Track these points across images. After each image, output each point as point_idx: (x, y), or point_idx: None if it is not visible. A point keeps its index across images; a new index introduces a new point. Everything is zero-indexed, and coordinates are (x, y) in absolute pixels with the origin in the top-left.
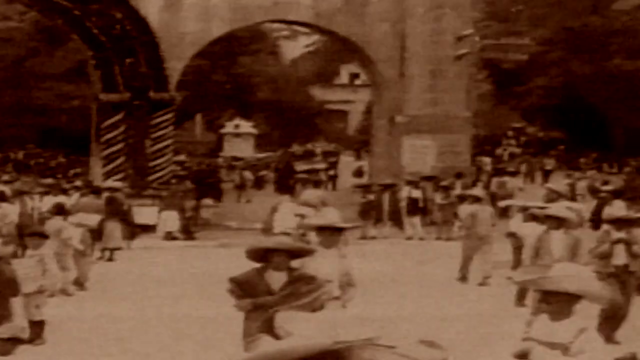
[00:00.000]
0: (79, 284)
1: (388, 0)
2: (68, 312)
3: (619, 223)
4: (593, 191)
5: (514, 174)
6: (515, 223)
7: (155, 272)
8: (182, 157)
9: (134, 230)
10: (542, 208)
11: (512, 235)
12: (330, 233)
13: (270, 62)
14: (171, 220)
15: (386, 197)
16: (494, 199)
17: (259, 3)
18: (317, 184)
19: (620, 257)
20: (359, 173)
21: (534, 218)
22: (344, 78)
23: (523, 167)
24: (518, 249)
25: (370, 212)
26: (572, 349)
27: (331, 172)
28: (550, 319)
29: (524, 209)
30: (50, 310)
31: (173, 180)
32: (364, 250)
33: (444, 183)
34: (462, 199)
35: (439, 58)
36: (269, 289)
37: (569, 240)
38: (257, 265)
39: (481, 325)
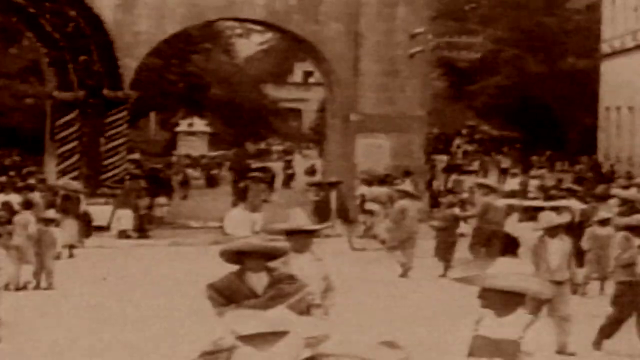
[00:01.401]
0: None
1: None
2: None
3: (638, 230)
4: (544, 190)
5: (470, 172)
6: (510, 224)
7: (112, 270)
8: (136, 156)
9: (88, 228)
10: (536, 208)
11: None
12: (302, 236)
13: (224, 60)
14: (125, 218)
15: (334, 195)
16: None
17: (212, 1)
18: (270, 184)
19: None
20: (311, 171)
21: (530, 218)
22: (297, 76)
23: (476, 165)
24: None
25: (322, 210)
26: (521, 344)
27: (289, 171)
28: (496, 315)
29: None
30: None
31: (127, 178)
32: (319, 249)
33: (397, 182)
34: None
35: (393, 56)
36: (252, 291)
37: (565, 247)
38: (233, 269)
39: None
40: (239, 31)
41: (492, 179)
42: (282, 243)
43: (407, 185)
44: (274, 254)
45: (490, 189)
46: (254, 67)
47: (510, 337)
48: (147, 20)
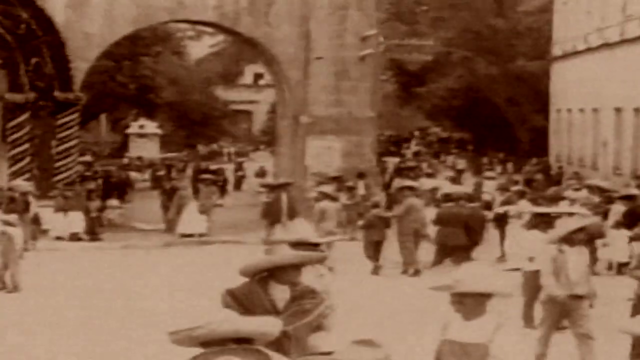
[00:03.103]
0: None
1: (292, 1)
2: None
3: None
4: (500, 190)
5: (420, 174)
6: (514, 231)
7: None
8: (87, 158)
9: (38, 231)
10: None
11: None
12: (305, 249)
13: (175, 62)
14: (76, 221)
15: (284, 197)
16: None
17: (163, 3)
18: (223, 187)
19: None
20: (262, 173)
21: (534, 226)
22: (248, 78)
23: (425, 167)
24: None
25: (272, 213)
26: (490, 347)
27: (240, 173)
28: (465, 318)
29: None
30: None
31: (77, 181)
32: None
33: (349, 183)
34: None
35: (343, 59)
36: (273, 305)
37: (584, 258)
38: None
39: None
40: (190, 33)
41: (442, 181)
42: (317, 253)
43: (360, 187)
44: (308, 264)
45: (412, 190)
46: (204, 69)
47: (478, 340)
48: (98, 22)
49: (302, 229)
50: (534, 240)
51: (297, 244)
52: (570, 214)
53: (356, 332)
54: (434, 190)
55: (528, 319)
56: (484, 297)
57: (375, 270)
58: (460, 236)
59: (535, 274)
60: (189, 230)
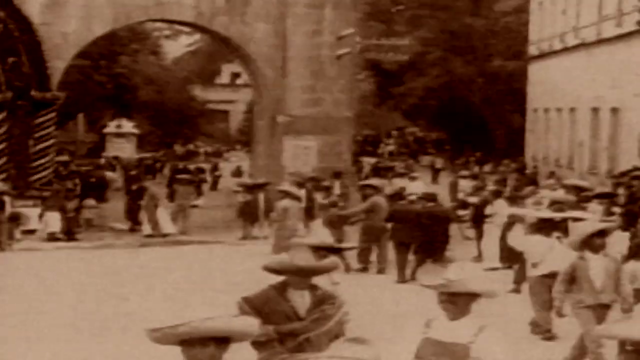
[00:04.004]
0: None
1: (269, 0)
2: None
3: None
4: (476, 190)
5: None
6: (515, 236)
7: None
8: (64, 158)
9: (16, 230)
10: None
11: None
12: (322, 255)
13: (152, 61)
14: (53, 221)
15: (262, 197)
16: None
17: (140, 2)
18: (199, 186)
19: None
20: (237, 173)
21: (538, 229)
22: (225, 78)
23: (401, 166)
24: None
25: (248, 212)
26: (472, 348)
27: (216, 173)
28: (449, 318)
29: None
30: None
31: (54, 180)
32: (249, 251)
33: (325, 183)
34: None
35: (320, 58)
36: (294, 312)
37: (609, 265)
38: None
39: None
40: (167, 32)
41: (420, 181)
42: (329, 260)
43: (336, 187)
44: (320, 273)
45: (375, 190)
46: (181, 69)
47: (460, 340)
48: (75, 22)
49: (321, 232)
50: (538, 244)
51: (318, 248)
52: (576, 219)
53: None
54: (401, 189)
55: (541, 326)
56: (473, 297)
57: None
58: (413, 233)
59: (541, 279)
60: (152, 231)
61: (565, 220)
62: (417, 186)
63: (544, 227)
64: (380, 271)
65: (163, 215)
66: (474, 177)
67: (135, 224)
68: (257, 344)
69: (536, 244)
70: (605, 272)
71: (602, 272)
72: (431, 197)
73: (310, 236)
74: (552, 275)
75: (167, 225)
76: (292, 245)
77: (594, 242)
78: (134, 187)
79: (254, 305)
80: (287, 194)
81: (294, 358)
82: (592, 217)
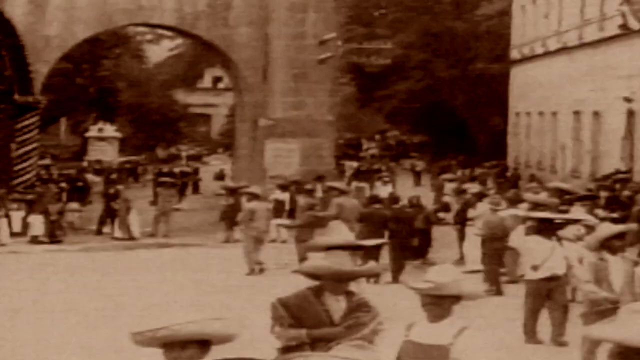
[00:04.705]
0: None
1: (251, 4)
2: None
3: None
4: (459, 193)
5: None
6: (516, 237)
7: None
8: (47, 161)
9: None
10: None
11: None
12: (343, 254)
13: (134, 65)
14: (37, 224)
15: (244, 200)
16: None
17: (123, 7)
18: (182, 189)
19: None
20: (220, 176)
21: (538, 231)
22: (207, 81)
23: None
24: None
25: (231, 216)
26: (452, 350)
27: (198, 176)
28: (430, 320)
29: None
30: None
31: (37, 184)
32: (231, 254)
33: (307, 186)
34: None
35: (302, 62)
36: (329, 316)
37: (628, 267)
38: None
39: None
40: (149, 37)
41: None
42: (368, 266)
43: (318, 190)
44: (357, 278)
45: (340, 192)
46: (164, 73)
47: (440, 342)
48: (57, 25)
49: (342, 231)
50: (537, 247)
51: (333, 248)
52: (575, 221)
53: None
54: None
55: (530, 332)
56: (457, 299)
57: None
58: (378, 235)
59: (540, 282)
60: (122, 234)
61: (566, 221)
62: (385, 190)
63: (543, 229)
64: None
65: (134, 219)
66: (462, 180)
67: (100, 225)
68: (288, 349)
69: (536, 246)
70: (623, 273)
71: (621, 274)
72: (395, 200)
73: (331, 235)
74: (552, 279)
75: (136, 229)
76: (311, 246)
77: (613, 244)
78: (111, 190)
79: (288, 307)
80: (255, 196)
81: (293, 356)
82: (589, 218)
